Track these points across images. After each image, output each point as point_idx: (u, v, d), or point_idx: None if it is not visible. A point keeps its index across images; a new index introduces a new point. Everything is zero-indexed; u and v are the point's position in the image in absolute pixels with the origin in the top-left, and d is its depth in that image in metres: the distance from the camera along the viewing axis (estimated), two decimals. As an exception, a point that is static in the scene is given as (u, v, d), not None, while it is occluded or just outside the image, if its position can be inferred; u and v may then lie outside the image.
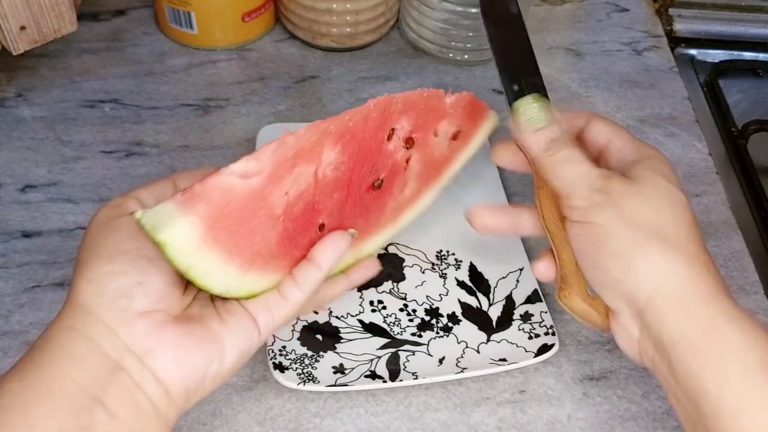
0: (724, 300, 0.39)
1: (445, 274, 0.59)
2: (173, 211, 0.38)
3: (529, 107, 0.45)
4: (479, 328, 0.56)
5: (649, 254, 0.40)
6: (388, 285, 0.57)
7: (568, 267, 0.46)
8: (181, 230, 0.38)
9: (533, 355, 0.53)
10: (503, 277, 0.58)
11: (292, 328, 0.54)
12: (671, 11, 0.85)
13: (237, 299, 0.41)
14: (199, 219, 0.38)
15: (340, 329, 0.55)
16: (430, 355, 0.54)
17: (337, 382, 0.51)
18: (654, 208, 0.41)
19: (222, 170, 0.40)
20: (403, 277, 0.58)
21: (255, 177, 0.41)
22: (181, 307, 0.40)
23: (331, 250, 0.44)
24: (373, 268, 0.49)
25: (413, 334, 0.55)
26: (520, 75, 0.48)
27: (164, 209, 0.38)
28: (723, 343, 0.37)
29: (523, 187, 0.66)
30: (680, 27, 0.84)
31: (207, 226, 0.38)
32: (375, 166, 0.48)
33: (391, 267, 0.58)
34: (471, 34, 0.74)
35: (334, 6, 0.72)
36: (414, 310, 0.56)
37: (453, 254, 0.60)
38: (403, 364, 0.53)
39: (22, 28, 0.60)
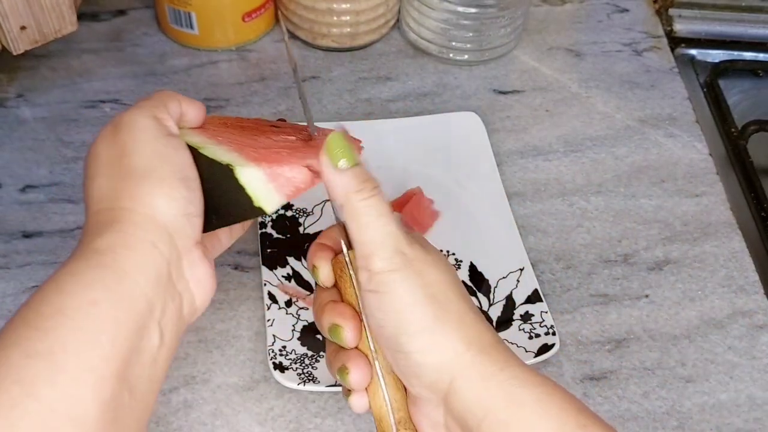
0: (515, 365, 0.38)
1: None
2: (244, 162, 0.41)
3: (340, 141, 0.41)
4: (479, 328, 0.56)
5: (445, 331, 0.38)
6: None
7: (404, 409, 0.41)
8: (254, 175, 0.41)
9: (533, 355, 0.53)
10: (503, 277, 0.58)
11: (292, 328, 0.54)
12: (671, 11, 0.85)
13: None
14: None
15: (340, 329, 0.55)
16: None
17: (338, 383, 0.51)
18: (447, 279, 0.39)
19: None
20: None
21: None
22: None
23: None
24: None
25: (413, 334, 0.55)
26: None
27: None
28: (523, 413, 0.36)
29: (523, 188, 0.66)
30: (680, 27, 0.84)
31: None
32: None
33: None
34: (471, 34, 0.74)
35: (335, 6, 0.72)
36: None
37: (453, 254, 0.60)
38: (404, 364, 0.53)
39: (23, 28, 0.60)
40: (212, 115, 0.49)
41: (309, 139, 0.48)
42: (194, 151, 0.41)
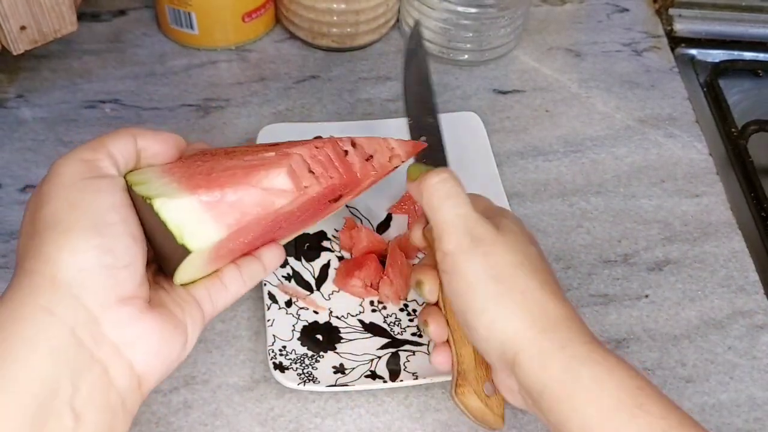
0: (579, 343, 0.40)
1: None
2: (198, 211, 0.37)
3: (417, 170, 0.46)
4: (479, 329, 0.56)
5: (508, 309, 0.40)
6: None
7: (468, 363, 0.45)
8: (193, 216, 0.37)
9: (533, 355, 0.53)
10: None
11: (293, 328, 0.54)
12: (671, 11, 0.85)
13: (187, 284, 0.40)
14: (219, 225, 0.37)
15: (340, 329, 0.55)
16: (430, 355, 0.54)
17: (338, 382, 0.51)
18: (515, 259, 0.41)
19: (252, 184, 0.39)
20: (403, 278, 0.58)
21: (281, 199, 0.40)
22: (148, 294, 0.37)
23: (278, 256, 0.45)
24: (281, 253, 0.46)
25: (413, 334, 0.55)
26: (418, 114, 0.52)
27: (184, 205, 0.36)
28: (578, 390, 0.38)
29: (523, 188, 0.66)
30: (680, 27, 0.84)
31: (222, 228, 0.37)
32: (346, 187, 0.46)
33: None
34: (471, 34, 0.74)
35: (335, 6, 0.72)
36: (414, 310, 0.56)
37: (453, 254, 0.60)
38: (404, 364, 0.53)
39: (23, 28, 0.60)
40: (222, 148, 0.44)
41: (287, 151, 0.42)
42: (130, 191, 0.37)
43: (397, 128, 0.67)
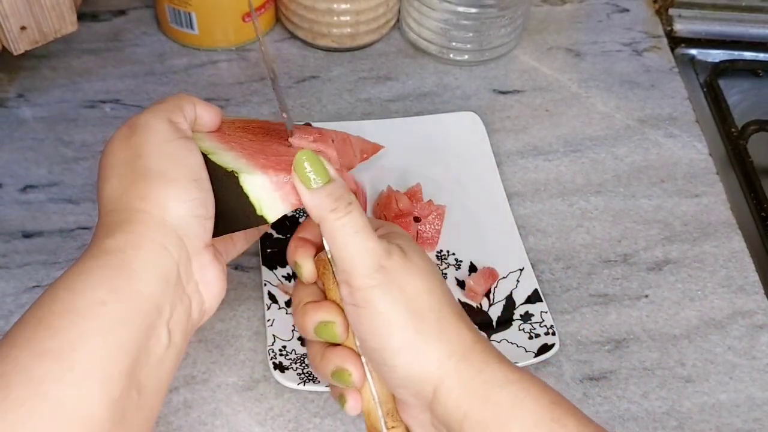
0: (494, 364, 0.39)
1: (445, 273, 0.59)
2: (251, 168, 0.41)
3: (299, 165, 0.40)
4: (479, 328, 0.55)
5: (428, 344, 0.39)
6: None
7: (390, 400, 0.42)
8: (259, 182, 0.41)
9: (533, 355, 0.53)
10: (503, 277, 0.58)
11: (293, 328, 0.54)
12: (671, 11, 0.85)
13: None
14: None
15: (340, 329, 0.55)
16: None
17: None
18: (428, 286, 0.40)
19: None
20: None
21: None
22: None
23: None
24: None
25: (413, 334, 0.55)
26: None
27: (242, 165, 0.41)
28: (499, 412, 0.37)
29: (523, 188, 0.66)
30: (680, 27, 0.84)
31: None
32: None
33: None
34: (471, 34, 0.74)
35: (335, 6, 0.72)
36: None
37: (453, 254, 0.60)
38: (404, 364, 0.53)
39: (23, 28, 0.60)
40: (233, 118, 0.49)
41: (325, 145, 0.48)
42: (204, 157, 0.41)
43: (397, 128, 0.67)
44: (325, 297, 0.43)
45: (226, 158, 0.41)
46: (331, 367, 0.42)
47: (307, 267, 0.44)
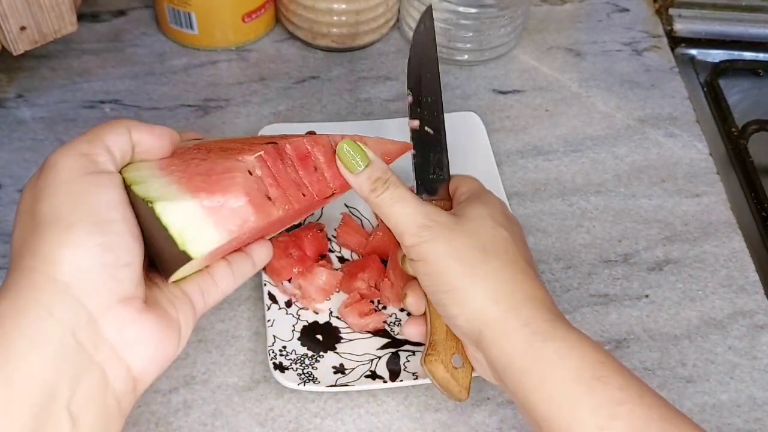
0: (541, 320, 0.41)
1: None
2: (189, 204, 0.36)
3: (343, 153, 0.45)
4: (479, 329, 0.56)
5: (475, 287, 0.43)
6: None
7: (439, 334, 0.47)
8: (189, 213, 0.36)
9: (533, 355, 0.53)
10: (503, 278, 0.58)
11: (293, 328, 0.54)
12: (671, 11, 0.85)
13: (179, 281, 0.39)
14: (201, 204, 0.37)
15: (340, 329, 0.55)
16: (430, 355, 0.54)
17: (338, 383, 0.51)
18: (476, 242, 0.44)
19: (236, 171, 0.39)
20: (403, 278, 0.58)
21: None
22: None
23: (267, 253, 0.45)
24: (270, 250, 0.46)
25: (413, 335, 0.55)
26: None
27: (182, 206, 0.36)
28: (540, 364, 0.40)
29: (523, 188, 0.66)
30: (680, 27, 0.84)
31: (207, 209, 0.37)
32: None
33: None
34: (471, 34, 0.74)
35: (335, 6, 0.72)
36: (414, 311, 0.56)
37: (453, 254, 0.60)
38: (404, 364, 0.53)
39: (23, 28, 0.60)
40: (210, 140, 0.45)
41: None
42: (128, 189, 0.36)
43: (397, 128, 0.67)
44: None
45: (153, 186, 0.36)
46: (402, 291, 0.49)
47: (411, 298, 0.49)
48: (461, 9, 0.72)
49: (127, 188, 0.36)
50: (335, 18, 0.73)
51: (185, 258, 0.35)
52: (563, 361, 0.39)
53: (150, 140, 0.39)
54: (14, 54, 0.62)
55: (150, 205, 0.35)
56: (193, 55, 0.74)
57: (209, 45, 0.74)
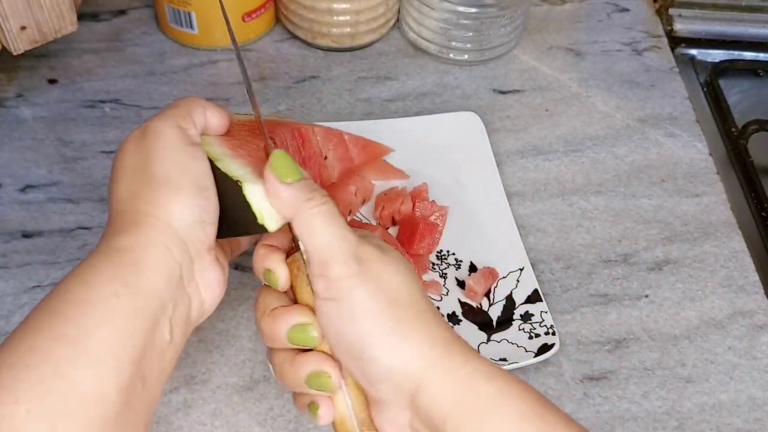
0: (476, 358, 0.39)
1: (445, 273, 0.59)
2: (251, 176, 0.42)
3: (284, 158, 0.41)
4: (479, 328, 0.56)
5: (410, 332, 0.38)
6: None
7: (364, 408, 0.41)
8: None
9: (533, 354, 0.53)
10: (503, 277, 0.58)
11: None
12: (671, 11, 0.85)
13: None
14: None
15: (340, 329, 0.55)
16: (430, 355, 0.54)
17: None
18: (405, 279, 0.40)
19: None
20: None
21: None
22: None
23: None
24: None
25: (413, 334, 0.55)
26: None
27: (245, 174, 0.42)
28: (484, 405, 0.37)
29: (523, 188, 0.66)
30: (680, 27, 0.84)
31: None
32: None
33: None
34: (471, 34, 0.74)
35: (335, 6, 0.72)
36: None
37: (453, 254, 0.60)
38: (404, 364, 0.53)
39: (23, 28, 0.60)
40: (242, 118, 0.49)
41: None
42: (211, 162, 0.42)
43: (397, 128, 0.67)
44: (295, 302, 0.42)
45: (233, 166, 0.42)
46: (305, 371, 0.41)
47: (281, 272, 0.42)
48: (461, 9, 0.72)
49: (210, 161, 0.42)
50: (335, 18, 0.73)
51: (263, 230, 0.41)
52: (506, 399, 0.37)
53: (217, 120, 0.45)
54: (14, 53, 0.62)
55: (240, 183, 0.41)
56: (193, 55, 0.74)
57: (209, 45, 0.74)
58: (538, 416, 0.37)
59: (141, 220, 0.40)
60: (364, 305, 0.38)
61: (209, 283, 0.42)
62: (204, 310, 0.43)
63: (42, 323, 0.36)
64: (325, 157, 0.48)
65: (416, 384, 0.38)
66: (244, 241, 0.49)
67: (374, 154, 0.63)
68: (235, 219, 0.43)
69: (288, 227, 0.42)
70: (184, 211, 0.40)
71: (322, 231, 0.39)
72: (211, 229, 0.42)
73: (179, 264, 0.40)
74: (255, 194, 0.41)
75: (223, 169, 0.42)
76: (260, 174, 0.42)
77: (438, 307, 0.57)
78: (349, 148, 0.61)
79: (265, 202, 0.41)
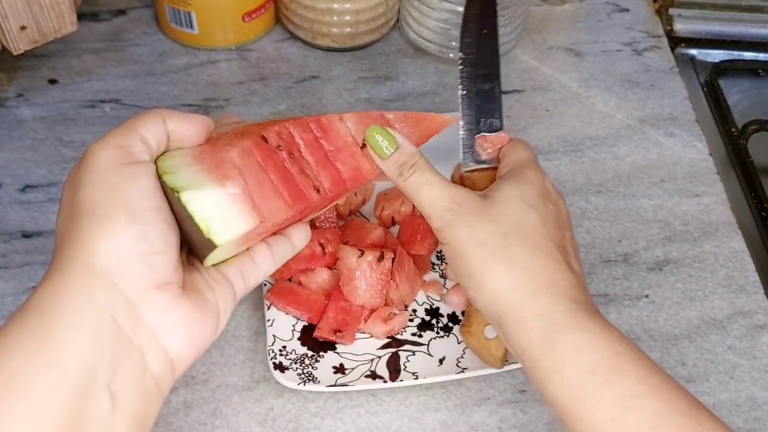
0: (560, 309, 0.41)
1: (446, 273, 0.59)
2: (206, 181, 0.37)
3: (371, 138, 0.46)
4: (479, 328, 0.56)
5: (493, 273, 0.42)
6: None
7: (471, 307, 0.49)
8: (214, 200, 0.37)
9: (533, 355, 0.53)
10: (503, 277, 0.58)
11: (293, 328, 0.54)
12: (671, 11, 0.85)
13: (218, 264, 0.40)
14: (230, 190, 0.38)
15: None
16: (430, 355, 0.54)
17: (338, 382, 0.51)
18: (502, 229, 0.43)
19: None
20: (403, 277, 0.58)
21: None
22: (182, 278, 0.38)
23: (305, 236, 0.45)
24: (308, 233, 0.46)
25: (413, 334, 0.55)
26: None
27: (194, 179, 0.37)
28: (554, 354, 0.40)
29: (523, 187, 0.66)
30: (680, 27, 0.84)
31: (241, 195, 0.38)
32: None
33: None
34: (471, 34, 0.74)
35: (335, 6, 0.72)
36: (414, 310, 0.56)
37: (453, 254, 0.60)
38: (404, 364, 0.53)
39: (23, 28, 0.60)
40: (249, 123, 0.45)
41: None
42: (160, 179, 0.37)
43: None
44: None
45: (182, 175, 0.37)
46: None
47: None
48: (461, 9, 0.71)
49: (159, 177, 0.37)
50: (335, 18, 0.73)
51: (211, 245, 0.36)
52: (579, 352, 0.39)
53: (184, 129, 0.39)
54: (14, 53, 0.62)
55: (176, 194, 0.36)
56: (193, 55, 0.74)
57: (209, 44, 0.74)
58: (613, 369, 0.38)
59: (62, 266, 0.35)
60: (456, 249, 0.43)
61: (167, 327, 0.36)
62: (172, 360, 0.36)
63: None
64: (363, 146, 0.46)
65: (497, 318, 0.42)
66: (265, 264, 0.43)
67: (431, 129, 0.53)
68: (190, 237, 0.37)
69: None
70: (111, 245, 0.34)
71: (414, 197, 0.45)
72: (160, 260, 0.36)
73: (109, 315, 0.34)
74: (196, 202, 0.36)
75: (166, 182, 0.36)
76: (216, 177, 0.37)
77: (438, 307, 0.57)
78: (396, 129, 0.55)
79: (217, 209, 0.36)
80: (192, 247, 0.39)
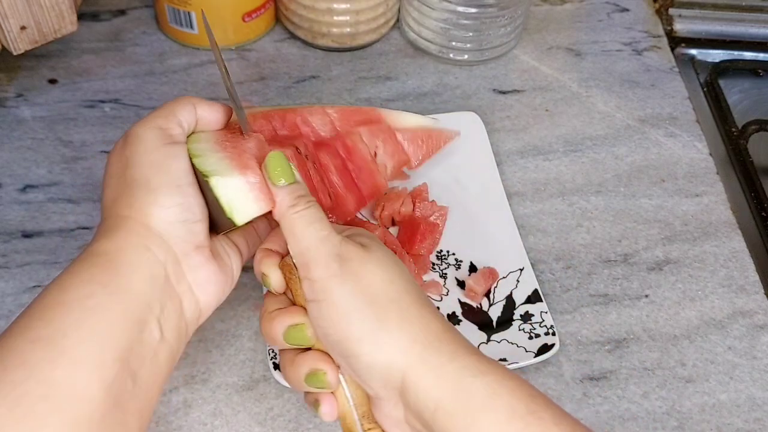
0: (465, 354, 0.39)
1: (445, 274, 0.59)
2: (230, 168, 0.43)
3: (279, 161, 0.43)
4: (479, 328, 0.56)
5: (390, 331, 0.39)
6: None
7: (365, 402, 0.42)
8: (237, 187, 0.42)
9: (533, 355, 0.53)
10: (503, 277, 0.58)
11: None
12: (671, 11, 0.85)
13: (227, 232, 0.45)
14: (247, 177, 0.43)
15: (340, 329, 0.55)
16: (430, 355, 0.54)
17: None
18: (388, 277, 0.40)
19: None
20: (403, 277, 0.58)
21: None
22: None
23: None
24: None
25: (413, 334, 0.55)
26: None
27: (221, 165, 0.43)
28: (472, 402, 0.37)
29: (523, 187, 0.66)
30: (680, 27, 0.84)
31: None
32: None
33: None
34: (471, 34, 0.74)
35: (335, 6, 0.72)
36: (414, 310, 0.56)
37: (453, 254, 0.60)
38: (404, 364, 0.53)
39: (23, 28, 0.60)
40: (265, 110, 0.50)
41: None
42: (191, 160, 0.43)
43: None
44: (293, 304, 0.43)
45: (210, 160, 0.43)
46: (304, 371, 0.41)
47: (274, 276, 0.43)
48: (461, 9, 0.72)
49: (190, 158, 0.43)
50: (335, 18, 0.73)
51: (231, 224, 0.42)
52: (495, 397, 0.37)
53: (210, 115, 0.45)
54: (14, 53, 0.62)
55: (206, 178, 0.41)
56: (193, 55, 0.74)
57: (209, 44, 0.74)
58: (529, 412, 0.36)
59: (120, 224, 0.41)
60: (344, 305, 0.39)
61: (202, 282, 0.42)
62: (200, 309, 0.43)
63: (20, 327, 0.37)
64: (375, 155, 0.48)
65: (400, 381, 0.38)
66: (265, 233, 0.49)
67: (437, 146, 0.59)
68: (215, 214, 0.43)
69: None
70: (163, 212, 0.41)
71: (302, 234, 0.41)
72: (199, 227, 0.42)
73: (162, 264, 0.40)
74: (223, 187, 0.41)
75: (197, 166, 0.42)
76: (237, 166, 0.42)
77: (438, 307, 0.57)
78: (403, 146, 0.59)
79: (237, 194, 0.41)
80: (212, 221, 0.44)
